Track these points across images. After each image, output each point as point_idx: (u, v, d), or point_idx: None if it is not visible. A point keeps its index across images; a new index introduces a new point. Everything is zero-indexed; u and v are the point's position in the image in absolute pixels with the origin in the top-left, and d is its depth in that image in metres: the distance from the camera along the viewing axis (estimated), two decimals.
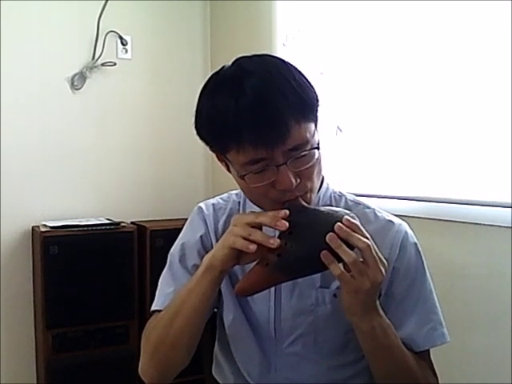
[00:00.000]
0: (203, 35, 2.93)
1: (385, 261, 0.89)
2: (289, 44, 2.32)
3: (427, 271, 1.06)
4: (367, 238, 0.87)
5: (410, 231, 1.07)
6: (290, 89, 0.89)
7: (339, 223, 0.86)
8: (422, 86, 1.82)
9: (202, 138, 0.98)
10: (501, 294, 1.54)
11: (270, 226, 0.89)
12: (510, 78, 1.53)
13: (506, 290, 1.51)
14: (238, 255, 0.93)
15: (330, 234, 0.85)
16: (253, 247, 0.88)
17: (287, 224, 0.87)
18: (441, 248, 1.70)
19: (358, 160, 2.09)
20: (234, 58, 0.97)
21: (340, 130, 2.13)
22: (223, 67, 0.96)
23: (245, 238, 0.89)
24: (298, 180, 0.91)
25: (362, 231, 0.87)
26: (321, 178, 1.00)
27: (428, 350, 1.04)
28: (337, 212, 0.90)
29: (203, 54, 2.92)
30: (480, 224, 1.59)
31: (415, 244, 1.06)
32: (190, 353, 1.01)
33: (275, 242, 0.87)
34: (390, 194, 1.89)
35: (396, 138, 1.93)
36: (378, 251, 0.88)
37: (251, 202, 1.00)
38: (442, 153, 1.77)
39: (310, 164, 0.92)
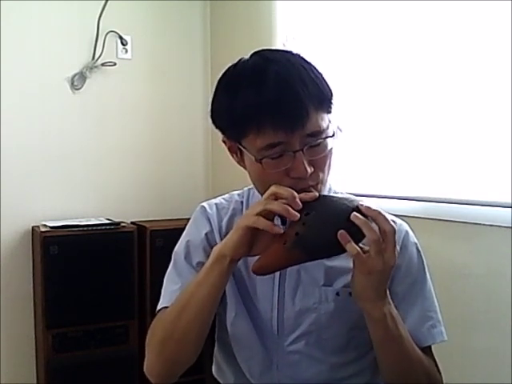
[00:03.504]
0: (203, 35, 2.93)
1: (398, 248, 0.91)
2: (289, 44, 2.32)
3: (427, 270, 1.07)
4: (391, 223, 0.88)
5: (410, 231, 1.09)
6: (309, 78, 0.94)
7: (364, 205, 0.89)
8: (422, 86, 1.82)
9: (218, 126, 1.01)
10: (501, 294, 1.54)
11: (288, 204, 0.89)
12: (510, 78, 1.53)
13: (506, 290, 1.51)
14: (250, 241, 0.93)
15: (354, 213, 0.87)
16: (278, 229, 0.89)
17: (300, 204, 0.89)
18: (441, 248, 1.70)
19: (358, 160, 2.09)
20: (252, 51, 1.00)
21: (340, 130, 2.12)
22: (241, 59, 1.00)
23: (264, 216, 0.90)
24: (312, 169, 0.94)
25: (386, 216, 0.89)
26: (331, 172, 1.01)
27: (430, 348, 1.05)
28: (350, 198, 0.93)
29: (203, 54, 2.92)
30: (480, 224, 1.59)
31: (416, 244, 1.08)
32: (198, 348, 1.00)
33: (296, 216, 0.88)
34: (390, 194, 1.89)
35: (396, 137, 1.93)
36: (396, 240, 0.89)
37: (262, 194, 0.98)
38: (442, 153, 1.77)
39: (324, 154, 0.96)
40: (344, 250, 0.87)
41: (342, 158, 2.11)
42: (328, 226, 0.88)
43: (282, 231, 0.90)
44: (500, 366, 1.54)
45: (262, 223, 0.89)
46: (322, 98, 0.95)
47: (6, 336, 2.55)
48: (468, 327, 1.62)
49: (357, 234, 0.87)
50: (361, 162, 2.08)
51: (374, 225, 0.88)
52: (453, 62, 1.72)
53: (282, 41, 2.33)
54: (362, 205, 0.89)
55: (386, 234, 0.87)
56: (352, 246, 0.86)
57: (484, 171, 1.65)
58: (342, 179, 2.01)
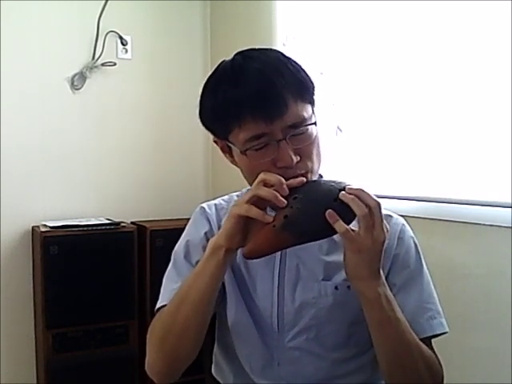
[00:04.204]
0: (203, 35, 2.93)
1: (388, 226, 0.92)
2: (289, 44, 2.32)
3: (424, 263, 1.08)
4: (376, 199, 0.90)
5: (406, 225, 1.10)
6: (288, 71, 0.96)
7: (349, 186, 0.91)
8: (422, 85, 1.82)
9: (206, 126, 1.04)
10: (501, 294, 1.54)
11: (276, 190, 0.90)
12: (510, 78, 1.53)
13: (506, 290, 1.51)
14: (243, 230, 0.94)
15: (342, 192, 0.89)
16: (269, 218, 0.90)
17: (287, 190, 0.91)
18: (441, 248, 1.70)
19: (358, 160, 2.09)
20: (234, 53, 1.03)
21: (340, 130, 2.13)
22: (223, 61, 1.02)
23: (254, 203, 0.91)
24: (298, 158, 0.95)
25: (369, 193, 0.90)
26: (321, 161, 1.02)
27: (430, 342, 1.04)
28: (338, 180, 0.94)
29: (203, 53, 2.92)
30: (480, 224, 1.59)
31: (412, 237, 1.09)
32: (198, 343, 1.00)
33: (284, 202, 0.89)
34: (390, 194, 1.89)
35: (396, 138, 1.93)
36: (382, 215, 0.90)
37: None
38: (442, 153, 1.77)
39: (309, 142, 0.97)
40: (333, 232, 0.88)
41: (343, 158, 2.12)
42: (316, 208, 0.89)
43: (273, 219, 0.91)
44: (500, 366, 1.54)
45: (254, 212, 0.90)
46: (301, 89, 0.97)
47: (6, 336, 2.55)
48: (468, 327, 1.62)
49: (345, 215, 0.88)
50: (361, 162, 2.08)
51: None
52: (453, 62, 1.72)
53: (282, 41, 2.33)
54: (348, 185, 0.91)
55: (372, 208, 0.88)
56: (340, 225, 0.87)
57: (484, 171, 1.64)
58: (342, 179, 2.02)
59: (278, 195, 0.90)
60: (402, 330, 0.95)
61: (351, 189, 0.90)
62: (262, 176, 0.93)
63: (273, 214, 0.93)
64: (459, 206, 1.66)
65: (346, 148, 2.12)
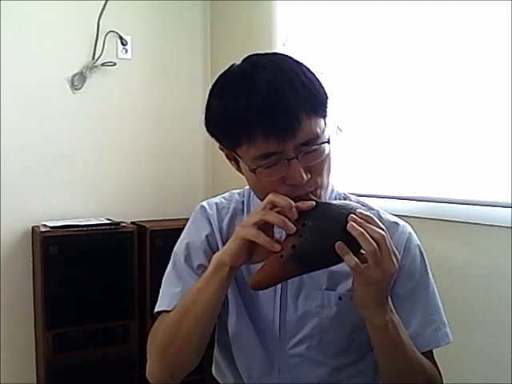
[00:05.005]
0: (203, 35, 2.93)
1: (397, 253, 0.89)
2: (289, 44, 2.32)
3: (430, 272, 1.06)
4: (382, 229, 0.87)
5: (413, 233, 1.08)
6: (301, 83, 0.90)
7: (353, 215, 0.86)
8: (422, 85, 1.82)
9: (212, 135, 0.98)
10: (501, 294, 1.54)
11: (284, 215, 0.88)
12: (510, 78, 1.53)
13: (506, 290, 1.52)
14: (249, 250, 0.92)
15: (350, 223, 0.85)
16: (277, 246, 0.88)
17: (296, 214, 0.88)
18: (441, 248, 1.70)
19: (358, 160, 2.09)
20: (244, 56, 0.97)
21: (340, 130, 2.13)
22: (232, 65, 0.97)
23: (261, 229, 0.88)
24: (309, 175, 0.91)
25: (376, 222, 0.87)
26: (330, 174, 0.99)
27: (431, 351, 1.04)
28: (349, 205, 0.90)
29: (203, 54, 2.92)
30: (480, 224, 1.59)
31: (418, 245, 1.07)
32: (200, 353, 1.00)
33: (293, 228, 0.87)
34: (390, 194, 1.89)
35: (396, 138, 1.93)
36: (391, 243, 0.88)
37: (260, 199, 0.97)
38: (442, 153, 1.77)
39: (321, 159, 0.93)
40: (341, 261, 0.86)
41: (343, 158, 2.12)
42: (325, 238, 0.86)
43: (281, 248, 0.88)
44: (500, 366, 1.54)
45: (262, 239, 0.88)
46: (315, 103, 0.91)
47: (6, 336, 2.55)
48: (468, 327, 1.62)
49: (355, 244, 0.85)
50: (361, 162, 2.08)
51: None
52: (453, 62, 1.72)
53: (282, 41, 2.33)
54: (358, 213, 0.87)
55: (379, 242, 0.85)
56: (350, 258, 0.85)
57: (484, 171, 1.65)
58: (342, 179, 2.02)
59: (287, 221, 0.87)
60: (407, 352, 0.95)
61: (361, 214, 0.86)
62: (270, 197, 0.90)
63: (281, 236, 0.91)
64: (459, 206, 1.66)
65: (346, 148, 2.12)
